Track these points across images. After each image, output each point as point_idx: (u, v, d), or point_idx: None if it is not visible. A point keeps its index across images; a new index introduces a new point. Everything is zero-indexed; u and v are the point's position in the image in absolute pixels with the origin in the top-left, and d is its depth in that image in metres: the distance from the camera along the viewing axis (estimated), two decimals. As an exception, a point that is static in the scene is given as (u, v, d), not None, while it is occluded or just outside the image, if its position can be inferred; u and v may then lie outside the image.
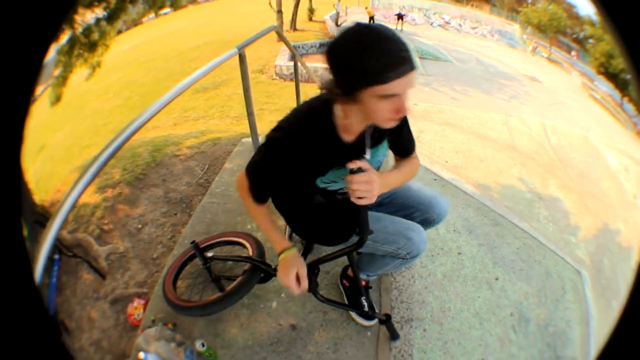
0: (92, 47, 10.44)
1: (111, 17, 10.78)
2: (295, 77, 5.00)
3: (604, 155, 11.62)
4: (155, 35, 25.11)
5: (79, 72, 10.34)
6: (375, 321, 2.48)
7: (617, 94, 25.75)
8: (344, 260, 2.41)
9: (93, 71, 10.67)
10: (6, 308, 0.65)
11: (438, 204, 2.19)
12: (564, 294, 3.53)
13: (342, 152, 1.66)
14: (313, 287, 2.15)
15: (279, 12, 22.55)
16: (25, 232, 0.69)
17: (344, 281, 2.63)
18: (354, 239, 1.94)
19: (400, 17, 32.02)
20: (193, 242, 2.56)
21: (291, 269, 1.80)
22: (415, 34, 26.41)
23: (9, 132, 0.66)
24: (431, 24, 34.22)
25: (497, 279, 3.29)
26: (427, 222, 2.17)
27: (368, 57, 1.29)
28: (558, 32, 35.70)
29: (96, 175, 1.54)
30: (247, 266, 2.41)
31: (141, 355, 2.28)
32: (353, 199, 1.57)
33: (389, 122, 1.47)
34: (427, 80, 14.89)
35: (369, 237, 1.83)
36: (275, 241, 1.86)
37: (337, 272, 2.73)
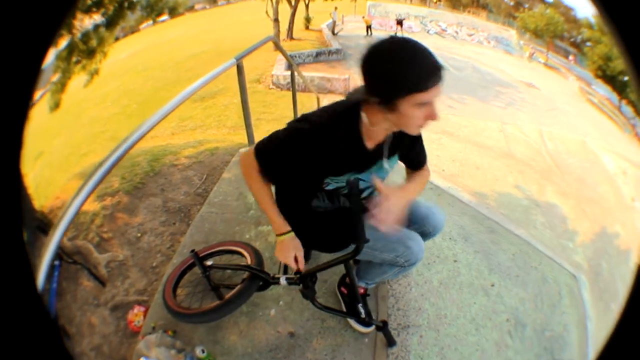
0: (90, 53, 10.51)
1: (109, 24, 10.85)
2: (292, 87, 5.05)
3: (602, 160, 11.64)
4: (153, 43, 25.14)
5: (77, 79, 10.38)
6: (373, 328, 2.51)
7: (615, 97, 25.77)
8: (342, 269, 2.46)
9: (91, 78, 10.74)
10: (8, 312, 0.66)
11: (434, 216, 2.25)
12: (561, 298, 3.55)
13: (361, 157, 1.77)
14: (311, 295, 2.22)
15: (276, 20, 22.74)
16: (25, 237, 0.69)
17: (342, 288, 2.67)
18: (351, 247, 1.99)
19: (399, 23, 32.19)
20: (192, 250, 2.60)
21: (290, 251, 1.97)
22: (412, 42, 26.48)
23: (9, 136, 0.66)
24: (428, 31, 34.33)
25: (493, 285, 3.31)
26: (423, 235, 2.21)
27: (411, 67, 1.40)
28: (555, 36, 35.70)
29: (99, 183, 1.59)
30: (245, 275, 2.46)
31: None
32: (381, 226, 1.65)
33: (418, 129, 1.59)
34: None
35: (368, 244, 1.89)
36: (275, 222, 1.95)
37: (335, 281, 2.76)
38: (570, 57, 34.52)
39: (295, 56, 20.29)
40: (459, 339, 2.76)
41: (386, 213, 1.65)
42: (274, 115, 11.40)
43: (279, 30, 23.00)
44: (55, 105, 9.81)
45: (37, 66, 0.68)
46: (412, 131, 1.60)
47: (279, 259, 2.02)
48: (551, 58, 33.45)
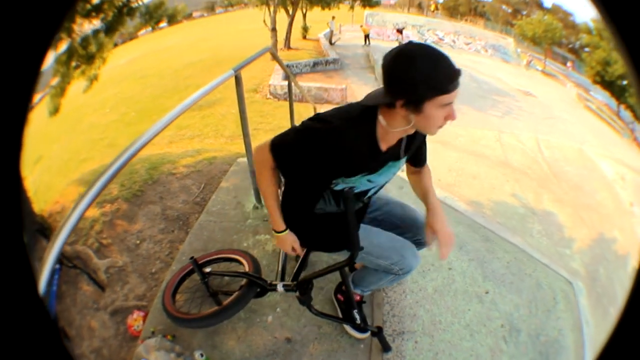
0: (89, 59, 10.52)
1: (109, 30, 10.89)
2: (290, 97, 5.08)
3: (600, 166, 11.61)
4: (151, 50, 25.16)
5: (77, 84, 10.40)
6: (368, 334, 2.56)
7: (613, 102, 25.78)
8: (338, 277, 2.51)
9: (91, 84, 10.73)
10: (8, 312, 0.67)
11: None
12: (556, 304, 3.58)
13: (375, 159, 1.81)
14: (307, 301, 2.29)
15: (273, 30, 22.73)
16: (25, 239, 0.70)
17: (339, 296, 2.72)
18: (346, 254, 2.04)
19: (400, 31, 32.31)
20: (192, 257, 2.65)
21: (289, 244, 2.14)
22: (409, 52, 26.46)
23: (9, 138, 0.67)
24: (425, 40, 34.33)
25: (487, 292, 3.36)
26: (417, 244, 2.28)
27: (438, 71, 1.49)
28: (553, 43, 35.69)
29: (102, 190, 1.56)
30: (243, 281, 2.51)
31: None
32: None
33: (437, 130, 1.65)
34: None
35: (365, 250, 1.97)
36: (276, 221, 2.06)
37: (331, 288, 2.81)
38: (569, 64, 34.56)
39: (293, 66, 20.34)
40: (454, 344, 2.81)
41: (449, 243, 1.97)
42: (271, 126, 11.43)
43: (276, 40, 22.99)
44: (55, 110, 9.82)
45: (36, 68, 0.70)
46: (431, 132, 1.68)
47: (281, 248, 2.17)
48: (549, 65, 33.44)
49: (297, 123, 1.86)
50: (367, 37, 29.57)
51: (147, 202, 4.48)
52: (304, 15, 29.44)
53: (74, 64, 10.31)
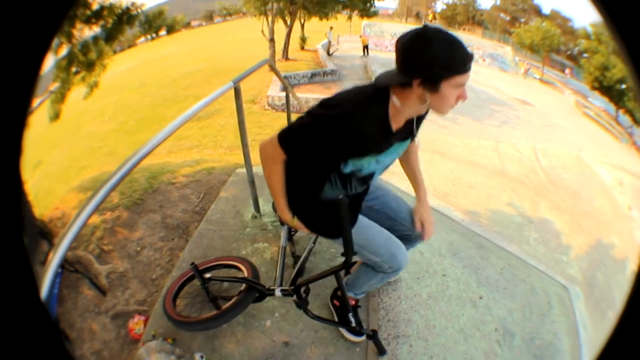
0: (89, 65, 10.58)
1: (108, 38, 10.96)
2: (287, 108, 5.14)
3: (597, 173, 11.57)
4: (149, 58, 25.20)
5: (76, 91, 10.43)
6: (364, 337, 2.63)
7: (612, 107, 25.75)
8: (334, 283, 2.61)
9: (91, 91, 10.81)
10: (9, 312, 0.69)
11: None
12: (550, 308, 3.58)
13: (387, 139, 1.89)
14: (304, 305, 2.37)
15: (271, 40, 22.76)
16: (26, 241, 0.72)
17: (335, 301, 2.80)
18: (340, 259, 2.10)
19: (399, 41, 32.37)
20: (192, 263, 2.73)
21: (301, 227, 2.22)
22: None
23: (9, 139, 0.69)
24: None
25: (481, 297, 3.39)
26: (407, 239, 2.39)
27: (456, 51, 1.60)
28: (551, 50, 35.61)
29: (105, 198, 1.65)
30: (242, 287, 2.59)
31: None
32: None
33: (449, 110, 1.75)
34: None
35: (360, 243, 2.10)
36: (283, 210, 2.15)
37: (328, 295, 2.90)
38: (567, 71, 34.51)
39: (291, 77, 20.40)
40: (448, 348, 2.86)
41: (431, 229, 2.25)
42: (269, 137, 11.44)
43: (274, 51, 23.01)
44: (55, 116, 9.89)
45: (35, 70, 0.72)
46: (444, 112, 1.75)
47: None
48: (547, 73, 33.37)
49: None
50: (366, 47, 29.61)
51: (147, 211, 4.55)
52: (302, 26, 29.57)
53: (74, 69, 10.38)
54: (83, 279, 3.82)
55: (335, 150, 1.82)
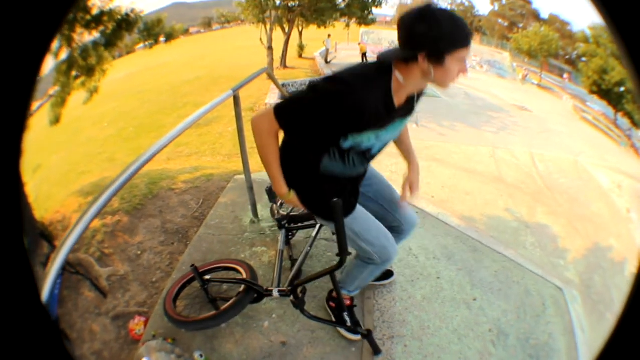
0: (89, 71, 10.62)
1: (108, 44, 11.01)
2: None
3: (595, 177, 11.50)
4: (148, 65, 25.17)
5: (76, 95, 10.47)
6: (360, 336, 2.69)
7: (610, 111, 25.68)
8: (329, 286, 2.70)
9: (91, 96, 10.88)
10: (10, 311, 0.70)
11: (410, 217, 2.59)
12: (545, 309, 3.62)
13: (390, 115, 1.93)
14: (300, 305, 2.45)
15: (270, 48, 22.69)
16: (26, 242, 0.72)
17: (331, 303, 2.87)
18: (334, 260, 2.18)
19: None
20: (192, 265, 2.79)
21: (296, 203, 2.25)
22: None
23: (9, 139, 0.69)
24: None
25: (475, 299, 3.44)
26: (395, 231, 2.48)
27: (458, 27, 1.68)
28: (550, 55, 35.48)
29: (107, 202, 1.71)
30: (241, 288, 2.66)
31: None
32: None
33: (451, 84, 1.81)
34: (415, 117, 14.32)
35: (354, 231, 2.19)
36: (278, 184, 2.16)
37: (324, 297, 2.97)
38: (565, 76, 34.34)
39: (288, 85, 20.36)
40: (442, 348, 2.91)
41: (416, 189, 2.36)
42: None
43: (272, 59, 22.94)
44: (56, 120, 9.94)
45: (35, 71, 0.72)
46: (446, 85, 1.81)
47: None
48: (545, 78, 33.26)
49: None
50: (364, 55, 29.60)
51: (148, 216, 4.61)
52: (300, 34, 29.58)
53: (74, 73, 10.43)
54: (84, 281, 3.87)
55: (337, 125, 1.85)
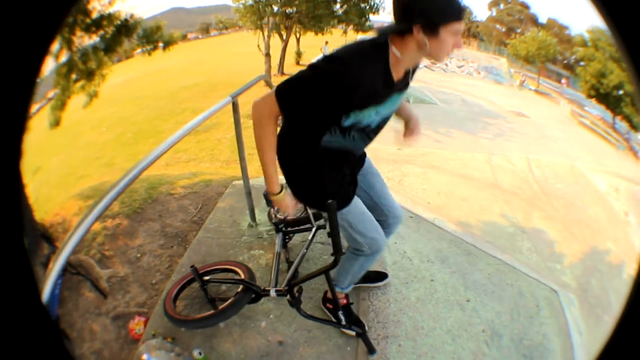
0: (89, 74, 10.62)
1: (107, 49, 11.03)
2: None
3: (592, 181, 11.44)
4: (147, 70, 25.13)
5: (75, 99, 10.49)
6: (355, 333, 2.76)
7: (608, 115, 25.58)
8: (325, 287, 2.80)
9: (90, 100, 10.86)
10: (10, 309, 0.71)
11: (397, 212, 2.66)
12: (539, 310, 3.65)
13: (389, 89, 1.97)
14: (297, 304, 2.52)
15: (267, 55, 22.67)
16: (26, 242, 0.73)
17: (327, 304, 2.95)
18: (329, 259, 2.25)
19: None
20: (192, 266, 2.85)
21: (290, 204, 2.24)
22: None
23: (9, 139, 0.70)
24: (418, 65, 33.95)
25: (468, 300, 3.49)
26: (382, 225, 2.52)
27: (451, 0, 1.73)
28: (547, 60, 35.30)
29: (108, 206, 1.77)
30: (239, 288, 2.72)
31: (144, 356, 2.55)
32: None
33: (446, 57, 1.86)
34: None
35: (348, 220, 2.26)
36: (272, 181, 2.14)
37: (319, 298, 3.06)
38: (563, 81, 34.18)
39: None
40: (436, 347, 2.97)
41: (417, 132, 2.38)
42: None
43: (270, 66, 22.92)
44: (56, 122, 9.94)
45: (35, 69, 0.73)
46: (441, 58, 1.86)
47: (281, 209, 2.30)
48: (543, 84, 33.02)
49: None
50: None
51: (147, 219, 4.65)
52: (298, 40, 29.53)
53: (74, 77, 10.46)
54: (84, 282, 3.92)
55: (336, 103, 1.88)
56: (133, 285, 3.88)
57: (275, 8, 23.27)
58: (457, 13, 1.75)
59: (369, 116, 1.99)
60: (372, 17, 28.26)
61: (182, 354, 2.64)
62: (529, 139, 15.49)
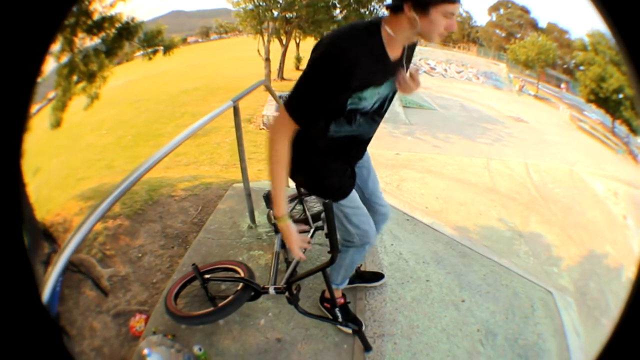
0: (90, 76, 10.65)
1: (109, 51, 11.08)
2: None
3: (591, 185, 11.57)
4: (147, 73, 25.12)
5: (76, 101, 10.54)
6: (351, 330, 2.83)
7: (608, 119, 25.58)
8: (322, 287, 2.88)
9: (91, 102, 10.91)
10: (10, 308, 0.71)
11: (384, 210, 2.75)
12: (534, 311, 3.70)
13: (386, 68, 1.98)
14: (295, 301, 2.59)
15: (267, 60, 22.65)
16: (27, 240, 0.73)
17: (325, 304, 3.01)
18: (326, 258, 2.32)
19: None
20: (194, 264, 2.92)
21: (297, 239, 2.17)
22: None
23: (10, 138, 0.70)
24: (417, 70, 33.80)
25: (463, 301, 3.55)
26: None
27: None
28: (547, 65, 35.25)
29: (111, 206, 1.83)
30: (239, 286, 2.79)
31: (145, 351, 2.59)
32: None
33: (439, 38, 1.84)
34: (410, 129, 14.95)
35: (344, 210, 2.32)
36: (279, 204, 2.09)
37: (317, 297, 3.12)
38: (562, 85, 34.18)
39: (285, 97, 20.39)
40: (431, 346, 3.03)
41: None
42: (263, 156, 11.20)
43: (269, 71, 22.90)
44: (57, 123, 9.97)
45: (35, 69, 0.74)
46: (432, 38, 1.84)
47: (290, 247, 2.21)
48: (542, 89, 33.07)
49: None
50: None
51: (148, 220, 4.70)
52: (297, 45, 29.48)
53: (75, 78, 10.50)
54: (85, 280, 3.96)
55: (341, 87, 1.86)
56: (134, 284, 3.92)
57: (275, 13, 23.27)
58: None
59: (371, 97, 2.01)
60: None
61: (182, 350, 2.69)
62: (527, 144, 15.53)
